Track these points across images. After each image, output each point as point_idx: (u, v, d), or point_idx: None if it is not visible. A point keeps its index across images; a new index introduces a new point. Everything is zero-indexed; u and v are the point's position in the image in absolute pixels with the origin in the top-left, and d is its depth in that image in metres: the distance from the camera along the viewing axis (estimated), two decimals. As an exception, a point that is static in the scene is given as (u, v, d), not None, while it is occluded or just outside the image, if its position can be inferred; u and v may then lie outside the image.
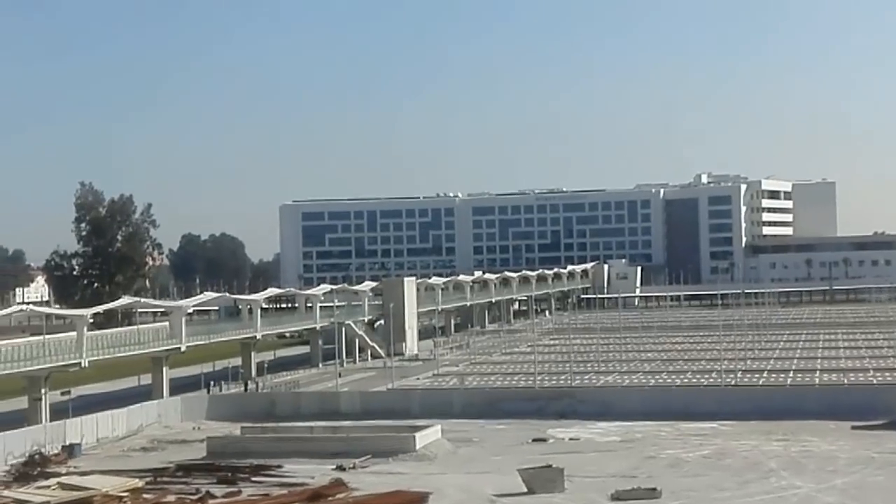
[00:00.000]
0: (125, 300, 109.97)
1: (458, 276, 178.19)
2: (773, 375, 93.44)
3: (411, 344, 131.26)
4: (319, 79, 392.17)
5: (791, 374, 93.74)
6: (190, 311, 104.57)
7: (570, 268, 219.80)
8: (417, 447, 60.46)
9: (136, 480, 53.59)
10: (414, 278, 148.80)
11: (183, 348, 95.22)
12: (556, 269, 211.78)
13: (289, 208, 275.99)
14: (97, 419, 70.49)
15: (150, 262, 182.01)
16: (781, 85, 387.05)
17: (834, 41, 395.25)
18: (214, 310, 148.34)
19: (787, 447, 60.07)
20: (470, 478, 53.65)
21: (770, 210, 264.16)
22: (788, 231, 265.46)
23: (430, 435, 62.81)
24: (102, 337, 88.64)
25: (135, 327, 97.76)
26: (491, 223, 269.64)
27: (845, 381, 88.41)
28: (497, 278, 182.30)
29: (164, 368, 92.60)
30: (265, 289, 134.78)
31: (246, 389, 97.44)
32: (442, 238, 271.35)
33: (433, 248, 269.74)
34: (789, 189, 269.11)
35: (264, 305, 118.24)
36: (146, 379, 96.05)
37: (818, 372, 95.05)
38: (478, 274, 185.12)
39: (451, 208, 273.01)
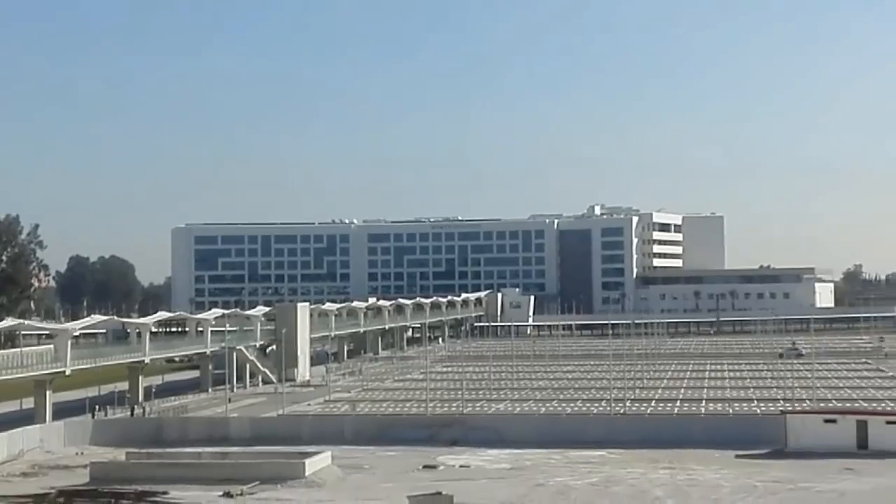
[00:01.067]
0: (9, 322, 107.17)
1: (352, 302, 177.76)
2: (661, 404, 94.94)
3: (303, 370, 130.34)
4: (213, 101, 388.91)
5: (678, 404, 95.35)
6: (76, 333, 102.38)
7: (463, 296, 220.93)
8: (307, 474, 59.92)
9: (15, 507, 52.14)
10: (307, 304, 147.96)
11: (68, 372, 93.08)
12: (449, 297, 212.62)
13: (181, 231, 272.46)
14: (-24, 444, 68.41)
15: (36, 284, 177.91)
16: (672, 120, 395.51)
17: (721, 79, 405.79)
18: (102, 333, 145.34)
19: (673, 475, 60.96)
20: (359, 505, 53.33)
21: (660, 242, 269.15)
22: (678, 263, 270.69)
23: (319, 461, 62.31)
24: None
25: (18, 350, 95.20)
26: (386, 250, 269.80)
27: (730, 410, 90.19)
28: (391, 305, 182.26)
29: (48, 392, 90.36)
30: (155, 312, 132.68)
31: (132, 414, 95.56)
32: (336, 264, 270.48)
33: (327, 274, 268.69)
34: (679, 222, 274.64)
35: (154, 329, 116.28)
36: (29, 402, 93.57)
37: (704, 401, 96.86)
38: (372, 300, 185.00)
39: (347, 234, 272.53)
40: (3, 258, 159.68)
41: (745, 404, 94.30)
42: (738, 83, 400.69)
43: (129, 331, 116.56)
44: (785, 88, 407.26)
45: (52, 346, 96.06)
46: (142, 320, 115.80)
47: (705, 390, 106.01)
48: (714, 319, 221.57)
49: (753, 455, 67.67)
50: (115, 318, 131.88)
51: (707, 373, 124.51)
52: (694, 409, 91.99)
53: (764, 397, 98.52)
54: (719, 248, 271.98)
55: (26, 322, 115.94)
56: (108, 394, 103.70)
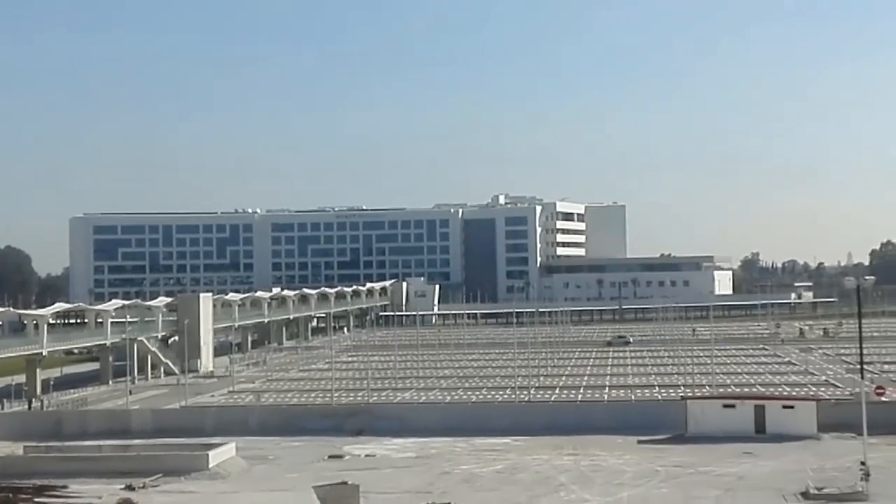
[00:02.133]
0: None
1: (255, 292, 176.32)
2: (565, 392, 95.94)
3: (206, 361, 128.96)
4: (111, 86, 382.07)
5: (582, 391, 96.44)
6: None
7: (368, 285, 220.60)
8: (210, 465, 59.34)
9: None
10: (210, 294, 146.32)
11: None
12: (354, 287, 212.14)
13: (79, 221, 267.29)
14: None
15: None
16: (576, 109, 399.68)
17: (623, 69, 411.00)
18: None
19: (577, 461, 61.69)
20: (265, 496, 53.03)
21: (564, 231, 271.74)
22: (581, 252, 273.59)
23: (223, 453, 61.76)
24: None
25: None
26: (290, 240, 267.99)
27: (632, 396, 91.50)
28: (295, 295, 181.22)
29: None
30: (53, 303, 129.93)
31: (30, 407, 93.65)
32: (240, 254, 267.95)
33: (230, 264, 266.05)
34: (582, 211, 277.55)
35: (51, 321, 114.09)
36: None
37: (607, 388, 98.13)
38: (276, 290, 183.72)
39: (250, 224, 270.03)
40: None
41: (646, 391, 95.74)
42: (639, 73, 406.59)
43: (25, 322, 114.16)
44: (686, 78, 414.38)
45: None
46: (39, 312, 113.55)
47: (608, 377, 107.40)
48: (616, 307, 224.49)
49: (655, 440, 68.79)
50: (12, 309, 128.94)
51: (609, 360, 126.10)
52: (597, 395, 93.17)
53: (665, 383, 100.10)
54: (621, 237, 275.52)
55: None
56: (6, 387, 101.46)
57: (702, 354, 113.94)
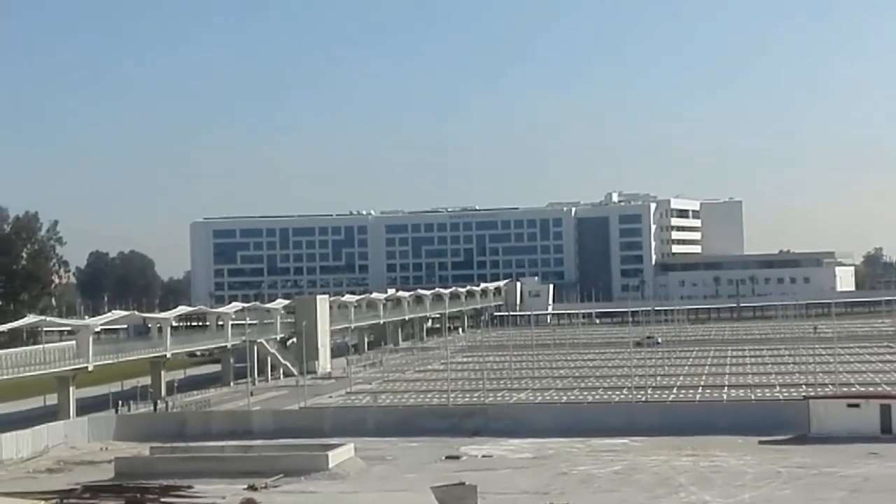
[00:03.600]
0: (30, 319, 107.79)
1: (371, 294, 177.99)
2: (683, 391, 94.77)
3: (324, 362, 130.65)
4: (228, 95, 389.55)
5: (700, 390, 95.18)
6: (97, 329, 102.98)
7: (482, 285, 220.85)
8: (330, 466, 60.03)
9: (42, 503, 52.41)
10: (327, 296, 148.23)
11: (90, 367, 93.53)
12: (468, 287, 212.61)
13: (200, 226, 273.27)
14: (1, 440, 68.71)
15: (57, 280, 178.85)
16: (690, 105, 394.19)
17: (739, 63, 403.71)
18: (123, 328, 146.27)
19: (696, 462, 60.85)
20: (383, 496, 53.44)
21: (679, 228, 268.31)
22: (697, 249, 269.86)
23: (342, 453, 62.42)
24: (6, 356, 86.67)
25: (40, 346, 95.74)
26: (404, 241, 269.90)
27: (752, 396, 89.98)
28: (410, 296, 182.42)
29: (71, 388, 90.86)
30: (175, 307, 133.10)
31: (155, 409, 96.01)
32: (355, 256, 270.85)
33: (346, 266, 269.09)
34: (697, 208, 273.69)
35: (174, 324, 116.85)
36: (52, 399, 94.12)
37: (726, 388, 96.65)
38: (391, 292, 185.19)
39: (364, 226, 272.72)
40: (24, 255, 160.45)
41: (767, 390, 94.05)
42: (756, 67, 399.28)
43: (150, 326, 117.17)
44: (805, 71, 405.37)
45: (73, 342, 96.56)
46: (162, 315, 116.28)
47: (727, 376, 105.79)
48: (734, 305, 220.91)
49: (777, 441, 67.49)
50: (136, 313, 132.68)
51: (728, 359, 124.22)
52: (716, 395, 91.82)
53: (786, 383, 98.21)
54: (738, 234, 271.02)
55: (48, 318, 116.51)
56: (131, 389, 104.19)
57: (824, 353, 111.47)
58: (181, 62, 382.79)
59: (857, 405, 70.48)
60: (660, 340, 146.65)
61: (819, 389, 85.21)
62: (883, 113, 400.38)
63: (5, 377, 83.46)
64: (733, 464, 60.04)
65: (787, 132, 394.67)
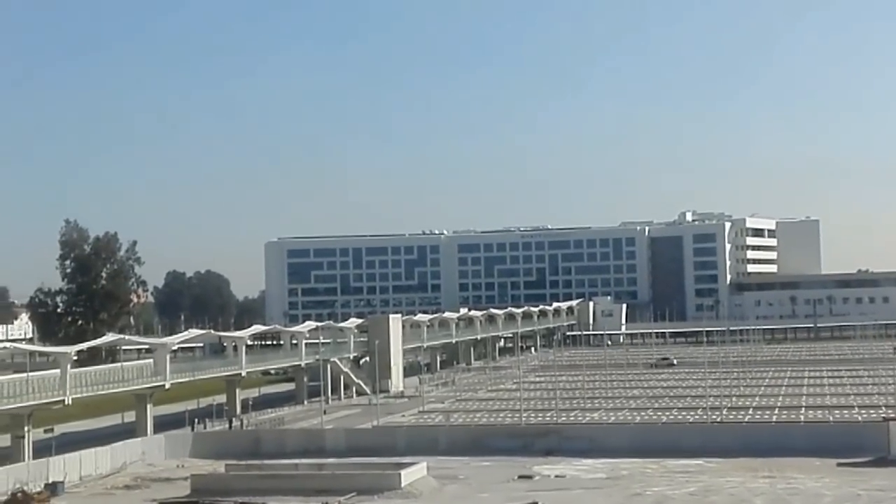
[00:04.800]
0: (109, 337, 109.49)
1: (443, 313, 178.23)
2: (759, 412, 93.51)
3: (397, 381, 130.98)
4: (303, 115, 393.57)
5: (776, 411, 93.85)
6: (174, 348, 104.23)
7: (555, 305, 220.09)
8: (403, 484, 60.20)
9: (120, 518, 53.21)
10: (399, 315, 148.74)
11: (167, 385, 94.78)
12: (541, 307, 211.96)
13: (274, 245, 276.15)
14: (80, 457, 69.96)
15: (135, 300, 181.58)
16: (765, 122, 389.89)
17: (814, 79, 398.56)
18: (199, 347, 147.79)
19: (773, 484, 60.00)
20: (455, 515, 53.41)
21: (754, 248, 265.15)
22: (773, 269, 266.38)
23: (415, 472, 62.56)
24: (86, 374, 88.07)
25: (118, 364, 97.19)
26: (476, 260, 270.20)
27: (830, 417, 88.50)
28: (482, 315, 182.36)
29: (148, 406, 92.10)
30: (250, 326, 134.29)
31: (230, 427, 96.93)
32: (427, 275, 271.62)
33: (418, 285, 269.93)
34: (773, 227, 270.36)
35: (249, 342, 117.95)
36: (130, 416, 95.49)
37: (803, 409, 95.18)
38: (463, 311, 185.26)
39: (437, 245, 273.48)
40: (103, 275, 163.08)
41: (845, 411, 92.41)
42: (831, 83, 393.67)
43: (225, 344, 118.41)
44: (882, 86, 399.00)
45: (151, 360, 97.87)
46: (238, 334, 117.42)
47: (804, 397, 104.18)
48: (811, 325, 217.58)
49: (856, 463, 66.30)
50: (212, 331, 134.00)
51: (805, 379, 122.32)
52: (793, 416, 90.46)
53: (865, 404, 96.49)
54: (815, 253, 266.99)
55: (126, 337, 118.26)
56: (207, 407, 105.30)
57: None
58: (257, 85, 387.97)
59: (938, 427, 69.02)
60: (675, 362, 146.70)
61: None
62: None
63: (85, 394, 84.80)
64: (811, 486, 59.12)
65: (866, 148, 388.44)
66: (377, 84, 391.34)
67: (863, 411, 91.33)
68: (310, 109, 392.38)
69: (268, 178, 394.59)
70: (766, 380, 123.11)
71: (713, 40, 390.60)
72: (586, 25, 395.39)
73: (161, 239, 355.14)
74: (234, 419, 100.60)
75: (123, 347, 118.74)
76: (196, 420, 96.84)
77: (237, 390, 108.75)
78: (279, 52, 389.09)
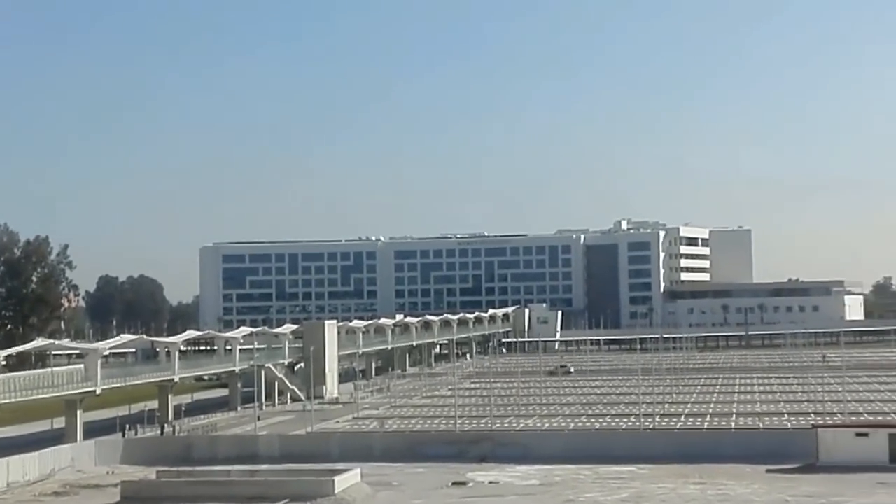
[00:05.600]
0: (39, 342, 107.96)
1: (379, 319, 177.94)
2: (691, 419, 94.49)
3: (331, 387, 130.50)
4: (240, 120, 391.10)
5: (708, 418, 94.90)
6: (106, 353, 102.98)
7: (491, 312, 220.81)
8: (336, 491, 59.93)
9: (47, 526, 52.42)
10: (335, 321, 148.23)
11: (98, 391, 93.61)
12: (477, 313, 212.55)
13: (209, 250, 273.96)
14: (8, 463, 68.73)
15: (66, 304, 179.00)
16: (700, 134, 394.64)
17: (748, 92, 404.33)
18: (131, 352, 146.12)
19: (704, 490, 60.61)
20: (389, 522, 53.29)
21: (688, 256, 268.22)
22: (706, 277, 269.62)
23: (349, 479, 62.33)
24: (15, 379, 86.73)
25: (48, 370, 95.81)
26: (413, 267, 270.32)
27: (760, 424, 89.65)
28: (418, 322, 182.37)
29: (78, 411, 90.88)
30: (184, 331, 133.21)
31: (162, 433, 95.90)
32: (363, 281, 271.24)
33: (354, 292, 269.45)
34: (706, 236, 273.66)
35: (182, 348, 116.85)
36: (60, 422, 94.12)
37: (734, 416, 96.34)
38: (399, 317, 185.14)
39: (373, 252, 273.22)
40: (34, 279, 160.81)
41: (775, 418, 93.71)
42: (765, 96, 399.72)
43: (158, 350, 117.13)
44: (814, 100, 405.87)
45: (82, 365, 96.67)
46: (171, 339, 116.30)
47: (735, 404, 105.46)
48: (743, 333, 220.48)
49: (785, 469, 67.20)
50: (145, 337, 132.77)
51: (737, 387, 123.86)
52: (724, 423, 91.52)
53: (795, 411, 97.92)
54: (747, 262, 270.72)
55: (56, 342, 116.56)
56: (139, 413, 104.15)
57: (832, 381, 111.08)
58: (193, 88, 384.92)
59: (865, 434, 70.14)
60: (572, 370, 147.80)
61: (828, 418, 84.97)
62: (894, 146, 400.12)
63: (13, 400, 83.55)
64: (741, 492, 59.81)
65: (797, 162, 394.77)
66: (315, 88, 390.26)
67: (792, 419, 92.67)
68: (247, 114, 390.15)
69: (203, 183, 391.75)
70: (699, 387, 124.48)
71: (648, 55, 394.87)
72: (527, 40, 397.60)
73: (93, 243, 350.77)
74: (165, 425, 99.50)
75: (54, 352, 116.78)
76: (127, 426, 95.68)
77: (169, 396, 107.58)
78: (212, 50, 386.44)
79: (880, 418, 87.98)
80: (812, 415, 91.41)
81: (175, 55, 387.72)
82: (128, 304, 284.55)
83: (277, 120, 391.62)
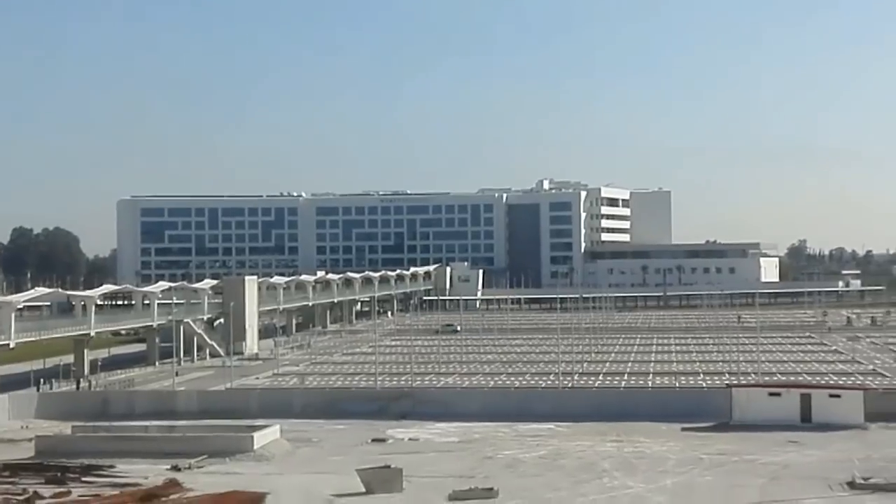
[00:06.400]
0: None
1: (300, 275, 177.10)
2: (609, 378, 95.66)
3: (251, 343, 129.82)
4: (159, 70, 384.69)
5: (626, 377, 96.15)
6: (20, 306, 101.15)
7: (412, 269, 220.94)
8: (255, 447, 59.74)
9: (-41, 481, 51.54)
10: (255, 277, 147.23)
11: (11, 345, 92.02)
12: (399, 271, 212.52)
13: (127, 203, 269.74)
14: (-83, 417, 67.46)
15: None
16: (621, 96, 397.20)
17: (670, 57, 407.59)
18: (46, 305, 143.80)
19: (621, 448, 61.45)
20: (308, 478, 53.27)
21: (608, 217, 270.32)
22: (626, 238, 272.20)
23: (268, 435, 62.13)
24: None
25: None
26: (335, 223, 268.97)
27: (677, 384, 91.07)
28: (340, 279, 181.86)
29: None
30: (100, 285, 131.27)
31: (78, 387, 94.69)
32: (285, 237, 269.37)
33: (276, 248, 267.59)
34: (627, 197, 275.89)
35: (99, 302, 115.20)
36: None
37: (651, 375, 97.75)
38: (320, 274, 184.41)
39: (295, 208, 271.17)
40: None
41: (691, 378, 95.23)
42: (687, 61, 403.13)
43: (74, 303, 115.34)
44: (733, 67, 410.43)
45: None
46: (87, 293, 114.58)
47: (652, 364, 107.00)
48: (661, 294, 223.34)
49: (699, 428, 68.38)
50: (60, 290, 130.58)
51: (654, 347, 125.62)
52: (641, 382, 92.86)
53: (710, 371, 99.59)
54: (666, 223, 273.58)
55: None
56: (53, 367, 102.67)
57: (747, 342, 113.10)
58: (120, 33, 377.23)
59: (778, 394, 71.61)
60: (458, 329, 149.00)
61: (742, 378, 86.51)
62: (811, 107, 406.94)
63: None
64: (656, 450, 60.73)
65: (717, 124, 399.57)
66: (245, 39, 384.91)
67: (707, 378, 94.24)
68: (170, 64, 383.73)
69: (122, 134, 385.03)
70: (617, 346, 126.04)
71: (575, 18, 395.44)
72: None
73: (7, 194, 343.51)
74: (81, 380, 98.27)
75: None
76: (42, 380, 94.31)
77: (85, 351, 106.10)
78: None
79: (793, 379, 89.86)
80: (727, 374, 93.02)
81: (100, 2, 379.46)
82: (43, 257, 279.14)
83: (200, 71, 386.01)
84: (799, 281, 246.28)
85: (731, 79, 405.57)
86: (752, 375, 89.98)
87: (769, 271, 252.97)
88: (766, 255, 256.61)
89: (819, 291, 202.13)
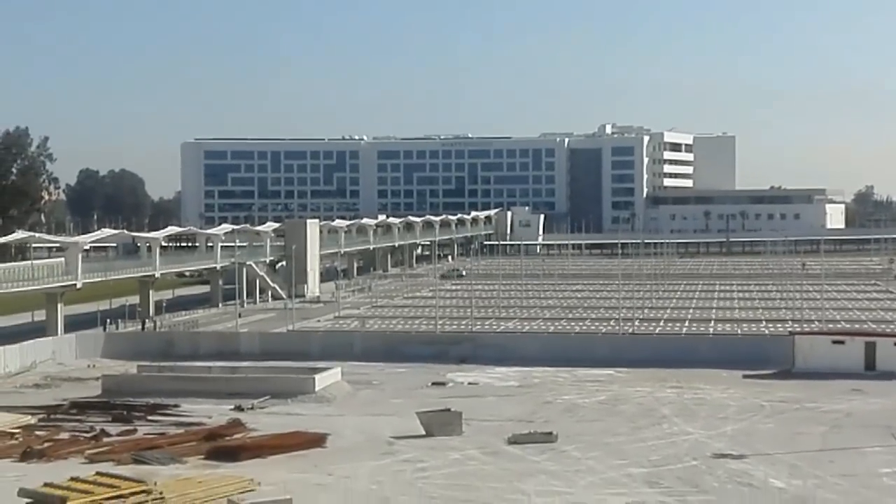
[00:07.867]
0: (19, 234, 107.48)
1: (361, 219, 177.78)
2: (670, 324, 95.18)
3: (313, 286, 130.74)
4: (222, 18, 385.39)
5: (686, 324, 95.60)
6: (87, 247, 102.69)
7: (473, 214, 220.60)
8: (316, 389, 60.30)
9: (29, 417, 52.73)
10: (317, 220, 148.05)
11: (79, 285, 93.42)
12: (459, 215, 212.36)
13: (191, 146, 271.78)
14: (-11, 354, 68.95)
15: (46, 197, 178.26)
16: (686, 40, 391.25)
17: (733, 4, 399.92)
18: (112, 247, 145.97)
19: (680, 394, 61.22)
20: (368, 420, 53.75)
21: (671, 162, 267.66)
22: (688, 183, 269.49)
23: (329, 377, 62.70)
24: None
25: (29, 262, 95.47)
26: (396, 167, 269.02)
27: (738, 331, 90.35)
28: (400, 222, 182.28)
29: (59, 305, 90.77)
30: (165, 227, 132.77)
31: (143, 328, 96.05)
32: (346, 181, 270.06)
33: (337, 191, 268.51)
34: (690, 142, 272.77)
35: (164, 244, 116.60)
36: (40, 315, 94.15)
37: (713, 322, 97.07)
38: (381, 218, 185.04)
39: (357, 151, 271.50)
40: (13, 170, 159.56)
41: (753, 325, 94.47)
42: (753, 3, 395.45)
43: (139, 245, 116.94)
44: (799, 11, 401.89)
45: (62, 259, 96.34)
46: (152, 234, 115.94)
47: (714, 311, 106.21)
48: (724, 240, 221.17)
49: (761, 375, 67.87)
50: (126, 231, 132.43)
51: (716, 293, 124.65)
52: (702, 329, 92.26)
53: (773, 318, 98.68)
54: (730, 169, 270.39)
55: (37, 235, 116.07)
56: (119, 307, 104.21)
57: (811, 289, 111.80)
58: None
59: (841, 342, 70.75)
60: (464, 273, 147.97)
61: (805, 326, 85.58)
62: (880, 55, 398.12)
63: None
64: (717, 396, 60.44)
65: (783, 70, 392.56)
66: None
67: (770, 325, 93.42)
68: (231, 8, 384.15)
69: (187, 79, 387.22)
70: (678, 293, 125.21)
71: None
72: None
73: (75, 136, 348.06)
74: (146, 320, 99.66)
75: (34, 245, 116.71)
76: (108, 321, 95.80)
77: (150, 292, 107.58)
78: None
79: (857, 326, 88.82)
80: (790, 322, 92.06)
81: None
82: (108, 199, 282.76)
83: (262, 18, 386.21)
84: (865, 228, 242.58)
85: (799, 22, 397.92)
86: (816, 323, 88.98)
87: (835, 218, 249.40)
88: (831, 202, 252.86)
89: (886, 239, 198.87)
